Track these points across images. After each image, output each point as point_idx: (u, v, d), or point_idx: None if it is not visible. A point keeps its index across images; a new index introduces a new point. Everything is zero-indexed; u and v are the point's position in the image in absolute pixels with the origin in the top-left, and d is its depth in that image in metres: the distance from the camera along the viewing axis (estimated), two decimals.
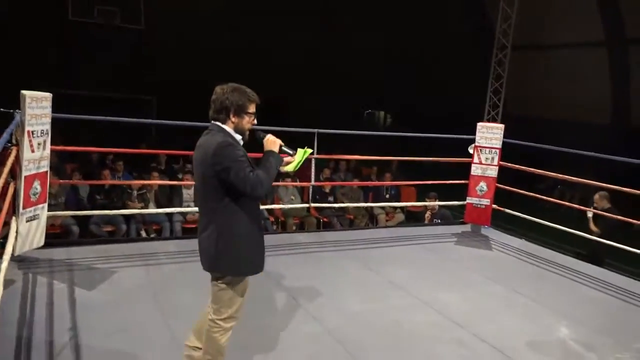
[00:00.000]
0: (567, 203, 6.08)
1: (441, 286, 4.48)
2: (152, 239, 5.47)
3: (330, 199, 8.69)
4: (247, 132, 2.57)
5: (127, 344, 3.07)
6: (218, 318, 2.57)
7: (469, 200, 6.39)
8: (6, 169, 3.54)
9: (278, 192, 8.50)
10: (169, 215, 7.44)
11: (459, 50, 13.27)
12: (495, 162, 6.23)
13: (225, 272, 2.53)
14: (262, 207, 7.42)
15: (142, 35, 12.77)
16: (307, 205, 6.22)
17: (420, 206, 9.42)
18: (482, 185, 6.29)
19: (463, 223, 6.61)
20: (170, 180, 8.17)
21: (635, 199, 5.12)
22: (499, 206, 6.29)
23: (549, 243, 6.33)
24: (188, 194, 7.68)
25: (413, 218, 9.40)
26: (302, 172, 10.86)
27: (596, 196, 6.86)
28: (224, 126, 2.49)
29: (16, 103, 3.89)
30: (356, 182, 9.10)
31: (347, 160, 10.42)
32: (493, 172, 6.25)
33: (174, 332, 3.24)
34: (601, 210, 6.52)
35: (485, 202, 6.29)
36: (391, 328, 3.62)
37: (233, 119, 2.49)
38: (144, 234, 7.12)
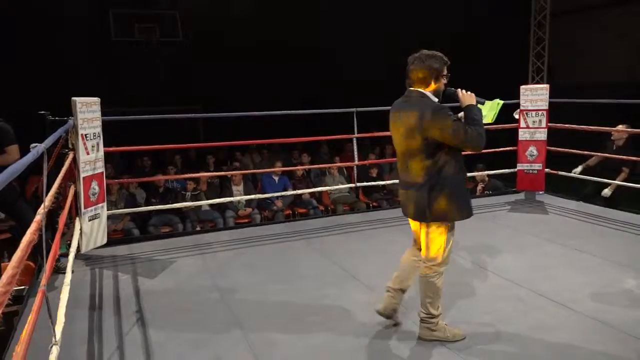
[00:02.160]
0: (626, 157, 5.73)
1: (495, 250, 4.39)
2: (207, 231, 5.65)
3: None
4: (441, 93, 2.74)
5: (189, 321, 3.20)
6: (433, 264, 2.77)
7: (519, 166, 6.21)
8: (63, 172, 3.76)
9: (325, 180, 8.57)
10: (222, 211, 7.67)
11: (495, 20, 12.77)
12: (544, 124, 6.02)
13: (439, 220, 2.70)
14: (308, 191, 7.52)
15: (181, 47, 13.14)
16: (352, 185, 6.23)
17: (469, 182, 9.23)
18: (532, 149, 6.10)
19: (516, 192, 6.43)
20: (219, 180, 8.42)
21: None
22: (552, 170, 6.09)
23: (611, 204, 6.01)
24: (237, 190, 7.88)
25: None
26: (345, 154, 10.61)
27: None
28: (425, 92, 2.67)
29: (66, 114, 4.16)
30: None
31: (393, 145, 10.31)
32: (542, 135, 6.04)
33: (232, 309, 3.36)
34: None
35: (537, 166, 6.09)
36: (447, 289, 3.56)
37: (434, 85, 2.67)
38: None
